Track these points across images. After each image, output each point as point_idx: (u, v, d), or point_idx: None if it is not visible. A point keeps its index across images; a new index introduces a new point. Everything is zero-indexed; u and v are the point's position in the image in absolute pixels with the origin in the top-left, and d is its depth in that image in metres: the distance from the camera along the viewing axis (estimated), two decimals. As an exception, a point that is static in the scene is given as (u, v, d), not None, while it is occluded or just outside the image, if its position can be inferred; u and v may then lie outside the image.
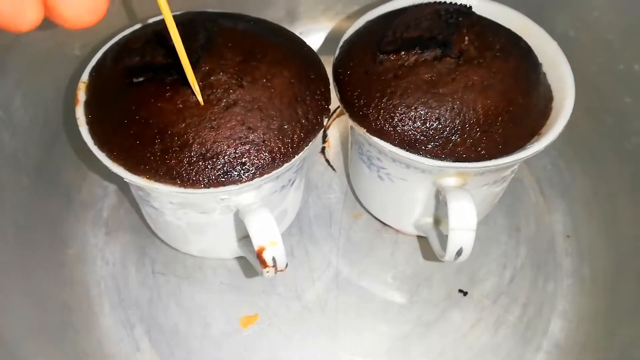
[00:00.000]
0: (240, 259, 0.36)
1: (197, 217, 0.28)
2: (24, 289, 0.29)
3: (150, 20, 0.31)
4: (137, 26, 0.31)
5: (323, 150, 0.42)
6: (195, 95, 0.25)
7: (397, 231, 0.38)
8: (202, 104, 0.24)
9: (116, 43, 0.29)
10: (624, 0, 0.34)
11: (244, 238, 0.31)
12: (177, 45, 0.22)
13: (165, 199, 0.27)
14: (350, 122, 0.29)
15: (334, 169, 0.41)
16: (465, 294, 0.36)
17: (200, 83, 0.25)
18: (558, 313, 0.35)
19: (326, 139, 0.42)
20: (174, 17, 0.30)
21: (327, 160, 0.41)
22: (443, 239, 0.28)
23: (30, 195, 0.33)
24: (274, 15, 0.44)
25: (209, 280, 0.36)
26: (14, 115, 0.31)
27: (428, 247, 0.34)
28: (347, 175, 0.39)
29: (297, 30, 0.45)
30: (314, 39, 0.44)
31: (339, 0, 0.44)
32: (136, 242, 0.37)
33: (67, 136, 0.35)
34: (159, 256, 0.36)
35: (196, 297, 0.35)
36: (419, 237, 0.37)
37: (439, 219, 0.32)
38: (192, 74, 0.23)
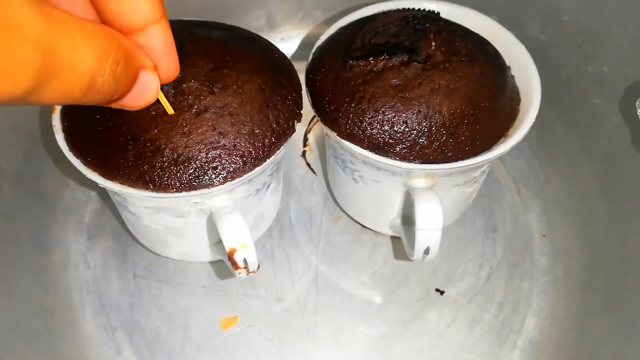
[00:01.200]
0: (221, 262, 0.37)
1: (173, 220, 0.29)
2: (6, 296, 0.30)
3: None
4: None
5: (304, 154, 0.43)
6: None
7: (376, 233, 0.38)
8: (171, 112, 0.25)
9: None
10: (592, 5, 0.35)
11: (219, 242, 0.31)
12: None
13: (140, 204, 0.28)
14: (323, 127, 0.29)
15: (314, 172, 0.41)
16: (442, 293, 0.37)
17: (172, 90, 0.26)
18: (533, 311, 0.36)
19: (307, 143, 0.43)
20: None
21: (308, 164, 0.42)
22: (413, 238, 0.29)
23: (11, 202, 0.33)
24: (254, 22, 0.45)
25: (190, 283, 0.36)
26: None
27: (401, 247, 0.34)
28: (326, 180, 0.40)
29: (278, 36, 0.46)
30: (293, 45, 0.45)
31: (318, 7, 0.45)
32: (118, 247, 0.37)
33: (45, 144, 0.36)
34: (141, 261, 0.37)
35: (177, 300, 0.36)
36: (394, 238, 0.38)
37: (411, 219, 0.32)
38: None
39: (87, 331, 0.34)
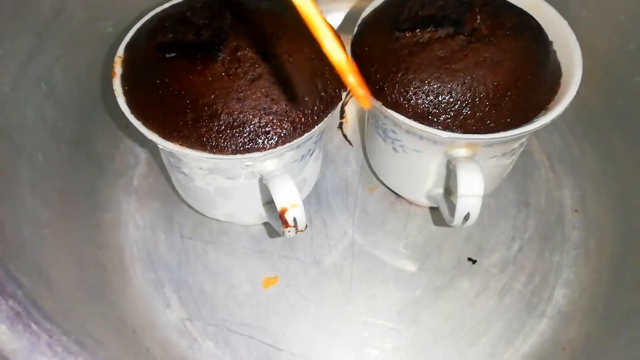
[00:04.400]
0: (262, 226, 0.39)
1: (224, 182, 0.30)
2: (67, 248, 0.32)
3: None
4: (166, 5, 0.33)
5: (341, 125, 0.44)
6: (223, 69, 0.27)
7: (410, 203, 0.40)
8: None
9: (149, 20, 0.32)
10: (636, -19, 0.35)
11: (268, 204, 0.33)
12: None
13: (195, 165, 0.30)
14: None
15: (350, 144, 0.43)
16: (474, 262, 0.38)
17: (228, 57, 0.27)
18: (562, 282, 0.37)
19: (344, 115, 0.44)
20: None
21: (345, 136, 0.43)
22: (452, 207, 0.30)
23: (68, 163, 0.35)
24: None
25: (233, 244, 0.38)
26: (54, 88, 0.33)
27: (439, 217, 0.36)
28: (364, 150, 0.41)
29: (320, 8, 0.47)
30: (334, 18, 0.46)
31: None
32: (165, 209, 0.40)
33: (104, 107, 0.38)
34: (187, 222, 0.39)
35: (221, 260, 0.38)
36: (431, 208, 0.39)
37: (450, 189, 0.34)
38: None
39: (138, 286, 0.37)
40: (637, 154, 0.37)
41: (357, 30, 0.32)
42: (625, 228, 0.37)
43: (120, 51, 0.31)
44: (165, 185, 0.40)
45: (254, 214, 0.34)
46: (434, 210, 0.39)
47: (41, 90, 0.32)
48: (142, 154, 0.41)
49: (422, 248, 0.38)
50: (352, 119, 0.44)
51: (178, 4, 0.32)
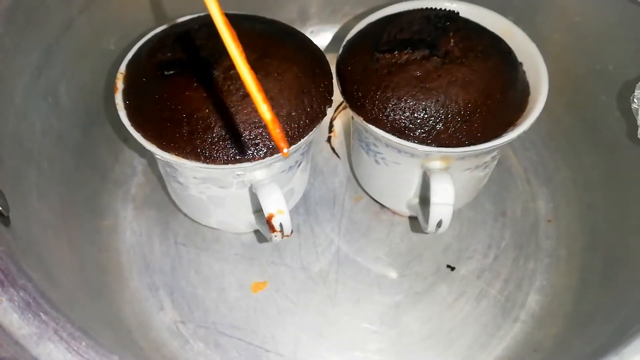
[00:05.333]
0: (253, 234, 0.41)
1: (216, 191, 0.33)
2: (69, 249, 0.34)
3: (178, 20, 0.36)
4: (165, 26, 0.35)
5: (329, 139, 0.46)
6: (217, 86, 0.29)
7: (394, 213, 0.42)
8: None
9: (149, 40, 0.34)
10: (601, 6, 0.38)
11: (257, 211, 0.35)
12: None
13: (189, 174, 0.32)
14: (351, 112, 0.33)
15: (338, 156, 0.45)
16: (452, 269, 0.40)
17: (222, 75, 0.30)
18: (535, 288, 0.39)
19: (332, 129, 0.47)
20: (198, 18, 0.35)
21: (333, 148, 0.46)
22: (427, 215, 0.32)
23: (72, 171, 0.38)
24: (287, 15, 0.49)
25: (225, 251, 0.40)
26: (60, 100, 0.36)
27: (420, 226, 0.38)
28: (349, 162, 0.44)
29: (308, 29, 0.49)
30: (323, 38, 0.49)
31: (347, 2, 0.49)
32: (160, 217, 0.42)
33: (106, 119, 0.40)
34: (181, 229, 0.41)
35: (213, 265, 0.40)
36: (412, 218, 0.42)
37: (426, 198, 0.36)
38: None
39: (134, 288, 0.39)
40: (603, 165, 0.39)
41: (342, 51, 0.35)
42: (592, 235, 0.39)
43: (123, 67, 0.33)
44: (162, 195, 0.42)
45: (245, 221, 0.37)
46: (415, 220, 0.41)
47: (48, 103, 0.34)
48: (140, 165, 0.44)
49: (403, 255, 0.41)
50: (340, 133, 0.46)
51: (178, 24, 0.35)
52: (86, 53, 0.37)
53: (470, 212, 0.42)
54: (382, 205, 0.42)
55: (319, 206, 0.43)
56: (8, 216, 0.26)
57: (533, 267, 0.40)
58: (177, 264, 0.40)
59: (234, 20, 0.33)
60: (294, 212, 0.42)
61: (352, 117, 0.35)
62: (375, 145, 0.34)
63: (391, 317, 0.38)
